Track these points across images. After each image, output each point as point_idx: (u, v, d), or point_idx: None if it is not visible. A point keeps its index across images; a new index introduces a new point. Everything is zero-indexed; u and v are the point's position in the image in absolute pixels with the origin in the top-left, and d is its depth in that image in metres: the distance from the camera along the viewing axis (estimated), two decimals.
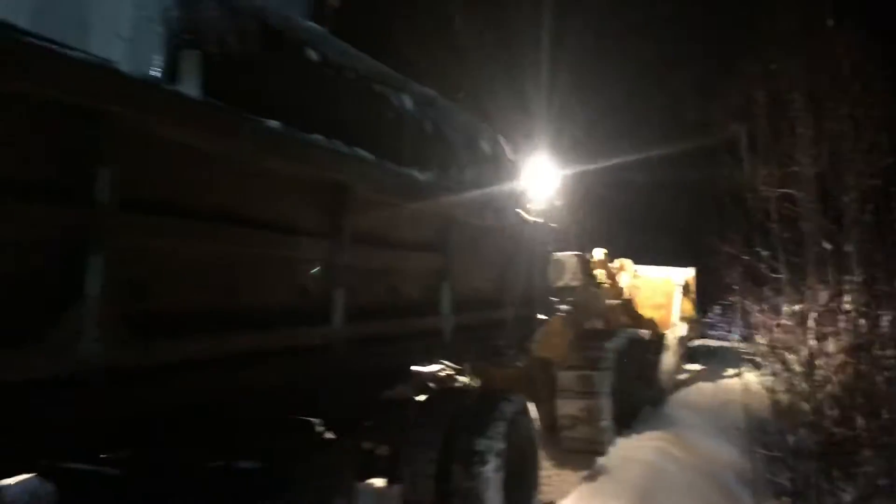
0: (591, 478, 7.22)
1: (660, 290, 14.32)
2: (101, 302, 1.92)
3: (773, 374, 13.00)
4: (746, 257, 13.44)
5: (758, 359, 15.18)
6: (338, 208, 3.04)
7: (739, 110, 14.73)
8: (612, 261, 12.97)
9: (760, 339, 14.63)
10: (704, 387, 13.38)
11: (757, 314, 14.77)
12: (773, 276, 13.12)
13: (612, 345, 9.46)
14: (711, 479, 7.45)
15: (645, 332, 12.09)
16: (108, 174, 1.92)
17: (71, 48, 1.85)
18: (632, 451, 8.35)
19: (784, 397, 9.72)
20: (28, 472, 2.45)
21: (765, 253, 12.82)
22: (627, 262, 14.23)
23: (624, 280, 13.64)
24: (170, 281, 2.22)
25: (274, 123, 2.59)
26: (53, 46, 1.78)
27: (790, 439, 7.89)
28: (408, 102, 3.92)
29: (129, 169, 1.98)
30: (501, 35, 16.38)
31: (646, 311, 13.77)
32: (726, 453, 8.69)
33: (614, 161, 14.46)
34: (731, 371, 15.45)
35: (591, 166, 13.58)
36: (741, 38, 15.34)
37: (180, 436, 2.59)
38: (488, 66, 15.55)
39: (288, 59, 2.89)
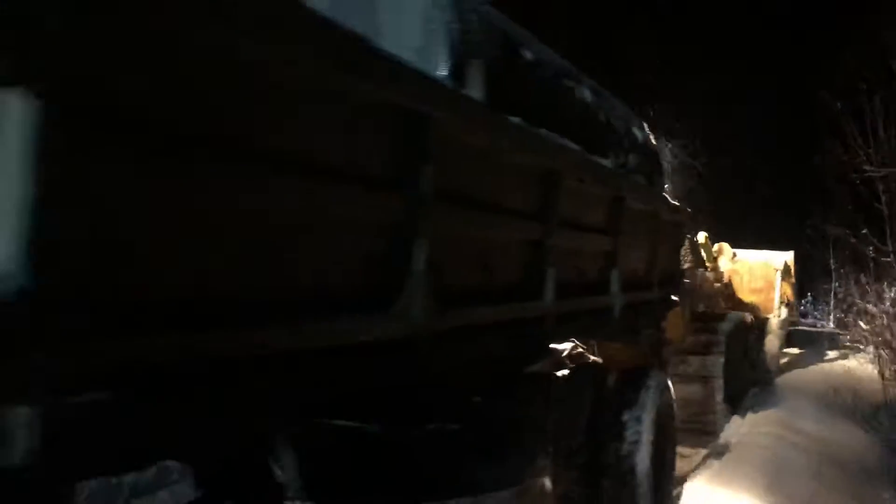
0: (713, 457, 7.43)
1: (759, 275, 14.31)
2: (423, 277, 2.29)
3: (880, 360, 12.87)
4: (854, 239, 13.27)
5: (859, 345, 15.03)
6: (551, 194, 3.37)
7: (846, 88, 14.47)
8: (712, 244, 13.04)
9: (863, 325, 14.46)
10: (808, 371, 13.39)
11: (860, 299, 14.59)
12: (882, 259, 12.94)
13: (725, 327, 9.66)
14: (836, 466, 7.55)
15: (747, 316, 12.19)
16: (429, 170, 2.28)
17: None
18: (746, 433, 8.53)
19: None
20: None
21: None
22: (726, 246, 14.23)
23: (723, 264, 13.68)
24: (455, 260, 2.59)
25: (516, 120, 2.92)
26: (396, 58, 2.13)
27: None
28: (587, 94, 4.21)
29: (441, 165, 2.34)
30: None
31: (745, 295, 13.81)
32: (844, 439, 8.76)
33: (715, 141, 14.43)
34: (831, 355, 15.37)
35: (694, 147, 13.58)
36: (850, 12, 15.01)
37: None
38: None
39: (517, 59, 3.22)
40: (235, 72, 1.61)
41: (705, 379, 9.05)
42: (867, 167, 14.25)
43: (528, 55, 3.38)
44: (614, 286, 4.47)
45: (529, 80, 3.33)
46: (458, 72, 2.59)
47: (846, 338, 16.12)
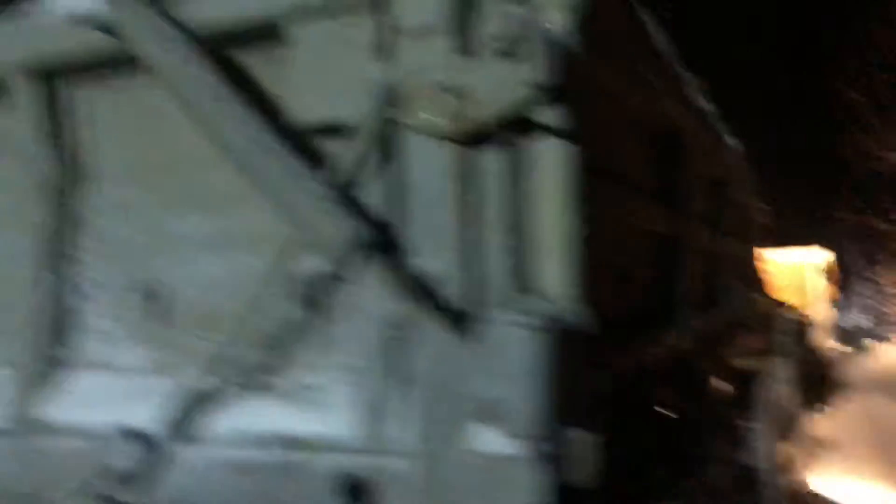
0: (816, 450, 7.47)
1: (791, 276, 14.56)
2: (689, 290, 2.42)
3: None
4: (885, 226, 13.55)
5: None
6: (719, 203, 3.50)
7: (861, 74, 14.78)
8: None
9: None
10: (858, 363, 13.61)
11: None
12: None
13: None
14: None
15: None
16: (687, 185, 2.42)
17: None
18: (831, 427, 8.64)
19: None
20: None
21: None
22: None
23: None
24: (692, 271, 2.71)
25: None
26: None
27: None
28: (694, 82, 4.35)
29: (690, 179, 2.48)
30: None
31: (779, 294, 14.04)
32: None
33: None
34: (869, 346, 15.67)
35: None
36: None
37: None
38: None
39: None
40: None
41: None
42: (887, 152, 14.56)
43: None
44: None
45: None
46: None
47: (882, 329, 16.41)
